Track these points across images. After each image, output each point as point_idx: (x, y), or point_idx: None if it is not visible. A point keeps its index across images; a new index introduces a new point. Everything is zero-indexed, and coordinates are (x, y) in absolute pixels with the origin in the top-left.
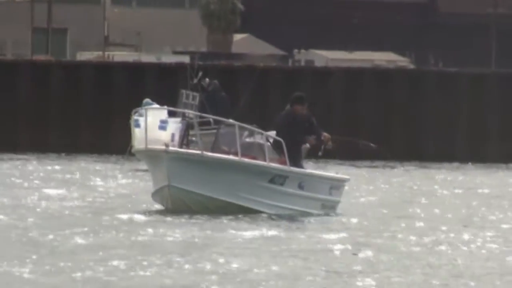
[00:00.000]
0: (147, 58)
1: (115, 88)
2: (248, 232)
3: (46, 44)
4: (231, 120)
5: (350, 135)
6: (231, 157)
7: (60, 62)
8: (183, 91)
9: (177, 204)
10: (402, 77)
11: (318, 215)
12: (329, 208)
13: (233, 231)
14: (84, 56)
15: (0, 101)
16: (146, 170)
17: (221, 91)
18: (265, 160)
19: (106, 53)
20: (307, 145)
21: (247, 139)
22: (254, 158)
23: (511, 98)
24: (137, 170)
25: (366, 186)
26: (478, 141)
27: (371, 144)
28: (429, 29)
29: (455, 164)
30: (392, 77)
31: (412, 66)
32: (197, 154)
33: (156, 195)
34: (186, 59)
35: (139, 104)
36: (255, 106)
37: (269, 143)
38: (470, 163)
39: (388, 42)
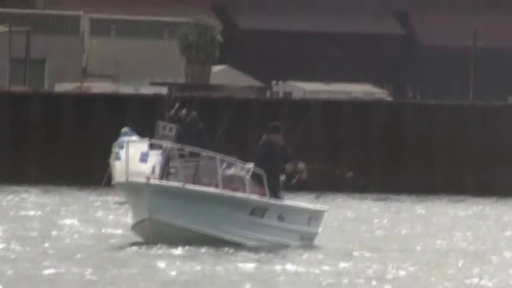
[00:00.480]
0: (125, 89)
1: (93, 119)
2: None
3: (24, 74)
4: (212, 152)
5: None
6: (212, 189)
7: (38, 93)
8: (160, 122)
9: (158, 237)
10: (381, 108)
11: (298, 247)
12: (307, 239)
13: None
14: (62, 87)
15: None
16: (123, 203)
17: (199, 123)
18: (245, 192)
19: (84, 84)
20: (283, 176)
21: (228, 171)
22: (235, 190)
23: (490, 130)
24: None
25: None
26: (457, 173)
27: (348, 173)
28: (408, 61)
29: (431, 197)
30: (370, 109)
31: (390, 98)
32: (178, 186)
33: (136, 227)
34: (164, 90)
35: (117, 134)
36: (234, 138)
37: (248, 175)
38: (445, 195)
39: (366, 74)
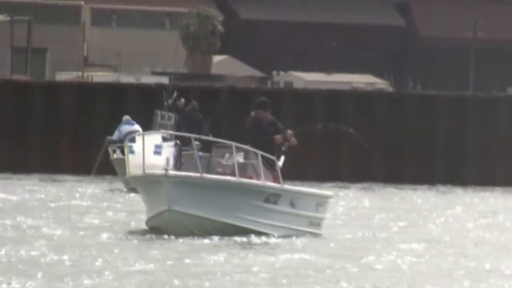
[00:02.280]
0: (126, 78)
1: (94, 108)
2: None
3: (25, 64)
4: (225, 141)
5: (331, 157)
6: (229, 178)
7: (39, 82)
8: (158, 111)
9: (177, 228)
10: (382, 99)
11: (308, 233)
12: (315, 225)
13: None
14: (63, 76)
15: None
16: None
17: (197, 112)
18: (259, 180)
19: (85, 73)
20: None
21: (241, 160)
22: (249, 178)
23: (489, 121)
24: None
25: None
26: (457, 164)
27: (350, 129)
28: (408, 52)
29: (433, 187)
30: (372, 99)
31: (390, 89)
32: (197, 177)
33: (154, 220)
34: (165, 80)
35: (118, 124)
36: (236, 127)
37: (261, 162)
38: (448, 185)
39: (367, 65)
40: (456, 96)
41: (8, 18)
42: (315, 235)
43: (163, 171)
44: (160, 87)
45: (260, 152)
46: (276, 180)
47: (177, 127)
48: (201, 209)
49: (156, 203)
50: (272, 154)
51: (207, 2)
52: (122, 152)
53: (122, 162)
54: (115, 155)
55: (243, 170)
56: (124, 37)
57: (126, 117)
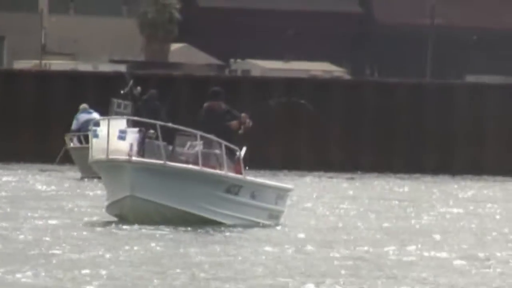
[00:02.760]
0: (84, 67)
1: (53, 96)
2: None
3: None
4: (191, 130)
5: (290, 144)
6: (192, 166)
7: None
8: (115, 100)
9: (138, 214)
10: (339, 87)
11: (266, 225)
12: (274, 218)
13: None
14: (21, 64)
15: None
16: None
17: (156, 100)
18: (222, 170)
19: (43, 61)
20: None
21: (204, 149)
22: (212, 167)
23: (447, 107)
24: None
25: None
26: (416, 149)
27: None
28: (366, 40)
29: (391, 175)
30: (330, 87)
31: (348, 76)
32: (160, 164)
33: (114, 206)
34: (123, 68)
35: (76, 112)
36: (194, 115)
37: (224, 153)
38: (406, 174)
39: (324, 52)
40: (414, 83)
41: None
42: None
43: (127, 157)
44: (117, 75)
45: (224, 142)
46: (238, 171)
47: (136, 115)
48: (162, 197)
49: (118, 189)
50: (230, 141)
51: None
52: (79, 141)
53: (78, 150)
54: (71, 144)
55: (206, 159)
56: (82, 24)
57: (84, 106)
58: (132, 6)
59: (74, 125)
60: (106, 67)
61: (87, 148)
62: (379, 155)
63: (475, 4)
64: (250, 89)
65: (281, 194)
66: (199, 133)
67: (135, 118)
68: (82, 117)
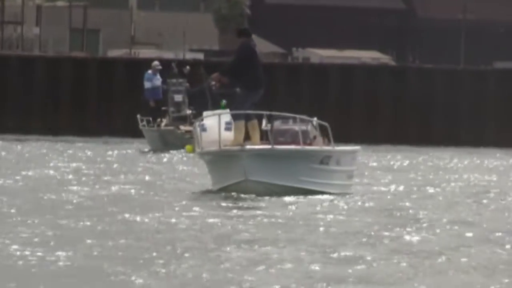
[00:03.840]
0: (167, 55)
1: (141, 80)
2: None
3: (82, 42)
4: (287, 114)
5: (343, 121)
6: (294, 147)
7: (94, 58)
8: (169, 80)
9: (251, 194)
10: (386, 72)
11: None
12: (351, 177)
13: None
14: (114, 53)
15: (45, 91)
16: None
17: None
18: (313, 145)
19: (133, 50)
20: None
21: (300, 127)
22: (308, 144)
23: (480, 90)
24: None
25: None
26: (452, 126)
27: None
28: (408, 31)
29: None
30: (378, 72)
31: (393, 63)
32: (268, 148)
33: (226, 189)
34: (201, 56)
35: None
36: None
37: (316, 128)
38: (443, 146)
39: (373, 42)
40: (449, 68)
41: (67, 4)
42: (350, 186)
43: (239, 147)
44: (196, 62)
45: (314, 120)
46: (327, 143)
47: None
48: (271, 177)
49: (232, 174)
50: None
51: None
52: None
53: (148, 131)
54: (145, 126)
55: (304, 137)
56: (166, 19)
57: (155, 63)
58: (208, 3)
59: (147, 84)
60: (186, 55)
61: (160, 130)
62: (421, 128)
63: (501, 1)
64: (310, 73)
65: (354, 155)
66: (291, 116)
67: (237, 111)
68: (149, 79)
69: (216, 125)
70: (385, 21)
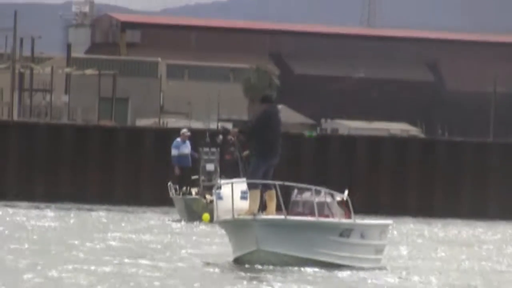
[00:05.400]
0: (196, 124)
1: (170, 150)
2: None
3: (111, 111)
4: (305, 185)
5: (372, 193)
6: (309, 218)
7: (123, 127)
8: (201, 148)
9: (264, 264)
10: (416, 144)
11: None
12: (379, 251)
13: None
14: (143, 122)
15: (72, 159)
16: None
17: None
18: (333, 217)
19: (162, 119)
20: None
21: (317, 199)
22: (326, 216)
23: (509, 164)
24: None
25: None
26: (481, 200)
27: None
28: (437, 103)
29: (460, 221)
30: (407, 144)
31: (422, 135)
32: (281, 219)
33: (242, 258)
34: (229, 125)
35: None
36: (290, 167)
37: (335, 201)
38: (471, 218)
39: (402, 114)
40: (479, 142)
41: (96, 72)
42: (379, 260)
43: (252, 216)
44: (224, 130)
45: (333, 192)
46: (348, 216)
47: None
48: (285, 247)
49: (246, 244)
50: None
51: (266, 59)
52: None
53: (178, 200)
54: (173, 194)
55: (320, 209)
56: (195, 88)
57: (184, 131)
58: (238, 73)
59: (174, 152)
60: (214, 125)
61: (185, 199)
62: (448, 200)
63: None
64: (338, 145)
65: (384, 229)
66: (312, 187)
67: (253, 180)
68: (177, 146)
69: (234, 194)
70: (415, 93)
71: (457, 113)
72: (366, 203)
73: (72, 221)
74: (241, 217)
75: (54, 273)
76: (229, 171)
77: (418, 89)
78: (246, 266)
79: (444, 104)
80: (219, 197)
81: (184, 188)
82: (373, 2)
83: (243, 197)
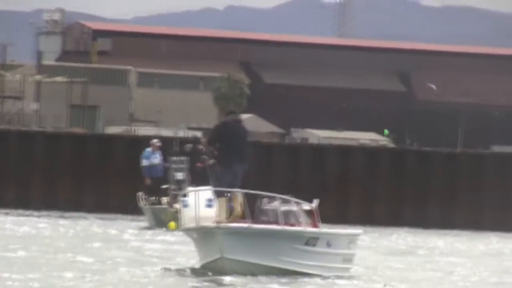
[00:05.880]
0: (165, 132)
1: (140, 157)
2: None
3: (81, 118)
4: (271, 194)
5: (342, 202)
6: (274, 226)
7: (92, 134)
8: (171, 158)
9: (228, 273)
10: (385, 154)
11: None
12: (348, 260)
13: None
14: (112, 129)
15: (43, 166)
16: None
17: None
18: (300, 226)
19: (132, 127)
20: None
21: (283, 208)
22: (291, 225)
23: (478, 174)
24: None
25: None
26: (449, 210)
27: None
28: (406, 113)
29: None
30: (377, 153)
31: (391, 145)
32: (245, 227)
33: (208, 266)
34: (199, 134)
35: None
36: (261, 175)
37: (301, 210)
38: (439, 227)
39: (371, 124)
40: (448, 152)
41: (67, 80)
42: (347, 269)
43: (215, 224)
44: (193, 139)
45: (300, 201)
46: (314, 225)
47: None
48: (249, 255)
49: (210, 251)
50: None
51: (236, 68)
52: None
53: (147, 209)
54: (143, 203)
55: (286, 217)
56: (165, 97)
57: (155, 141)
58: (208, 82)
59: (144, 162)
60: (184, 133)
61: (152, 208)
62: (417, 209)
63: (499, 85)
64: (308, 154)
65: (352, 239)
66: (278, 196)
67: (218, 188)
68: (147, 157)
69: (199, 201)
70: (384, 103)
71: (427, 123)
72: (336, 212)
73: (41, 225)
74: (205, 225)
75: None
76: (200, 179)
77: (388, 99)
78: (209, 273)
79: (413, 114)
80: (185, 205)
81: (153, 198)
82: (343, 14)
83: (208, 205)
